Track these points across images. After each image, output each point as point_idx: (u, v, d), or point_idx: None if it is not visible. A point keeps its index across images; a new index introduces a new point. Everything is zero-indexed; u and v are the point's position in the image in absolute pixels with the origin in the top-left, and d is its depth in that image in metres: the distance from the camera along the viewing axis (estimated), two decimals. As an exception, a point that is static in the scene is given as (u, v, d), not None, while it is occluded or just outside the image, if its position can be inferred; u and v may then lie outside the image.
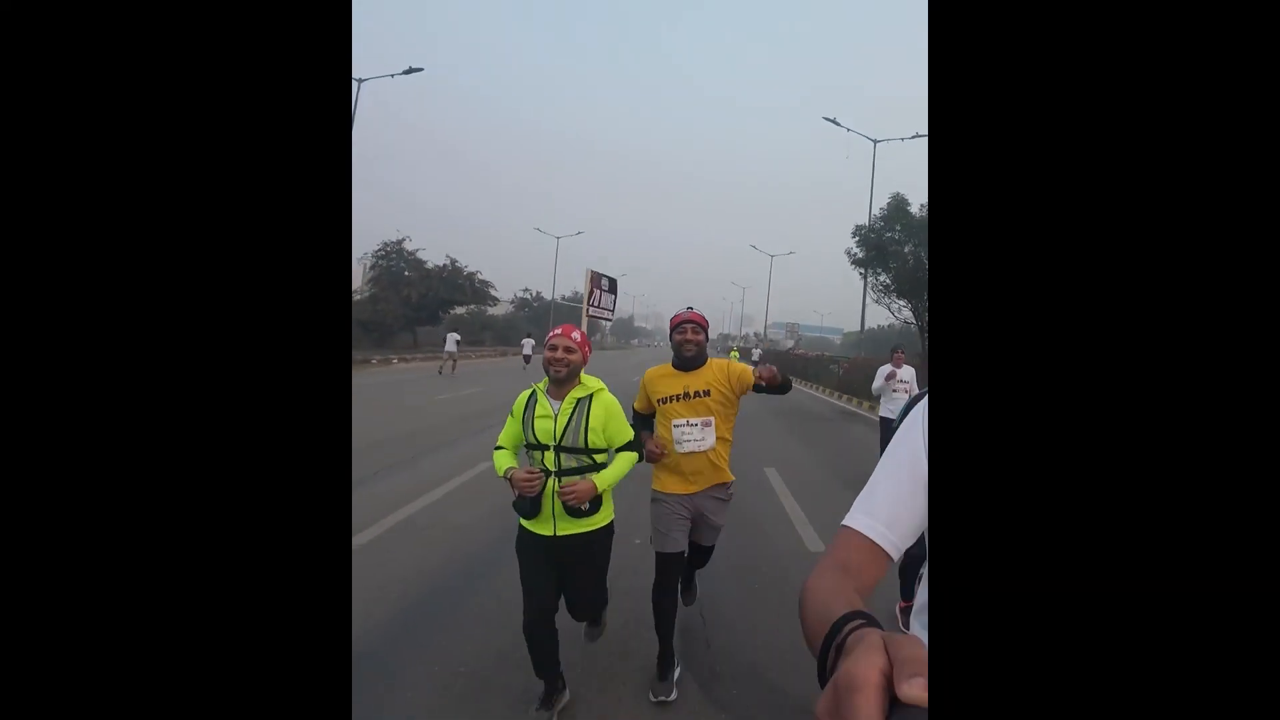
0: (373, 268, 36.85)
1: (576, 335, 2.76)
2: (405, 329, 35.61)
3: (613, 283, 16.77)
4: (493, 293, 42.20)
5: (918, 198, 20.15)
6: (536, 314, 61.33)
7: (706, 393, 3.13)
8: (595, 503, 2.73)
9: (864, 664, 0.44)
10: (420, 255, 37.22)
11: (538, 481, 2.58)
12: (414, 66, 22.51)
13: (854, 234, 21.29)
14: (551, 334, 2.78)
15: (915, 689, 0.41)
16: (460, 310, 41.91)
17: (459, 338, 22.15)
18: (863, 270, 21.51)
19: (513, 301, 61.69)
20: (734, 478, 3.30)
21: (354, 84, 22.00)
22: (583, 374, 2.78)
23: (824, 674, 0.59)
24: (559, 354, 2.67)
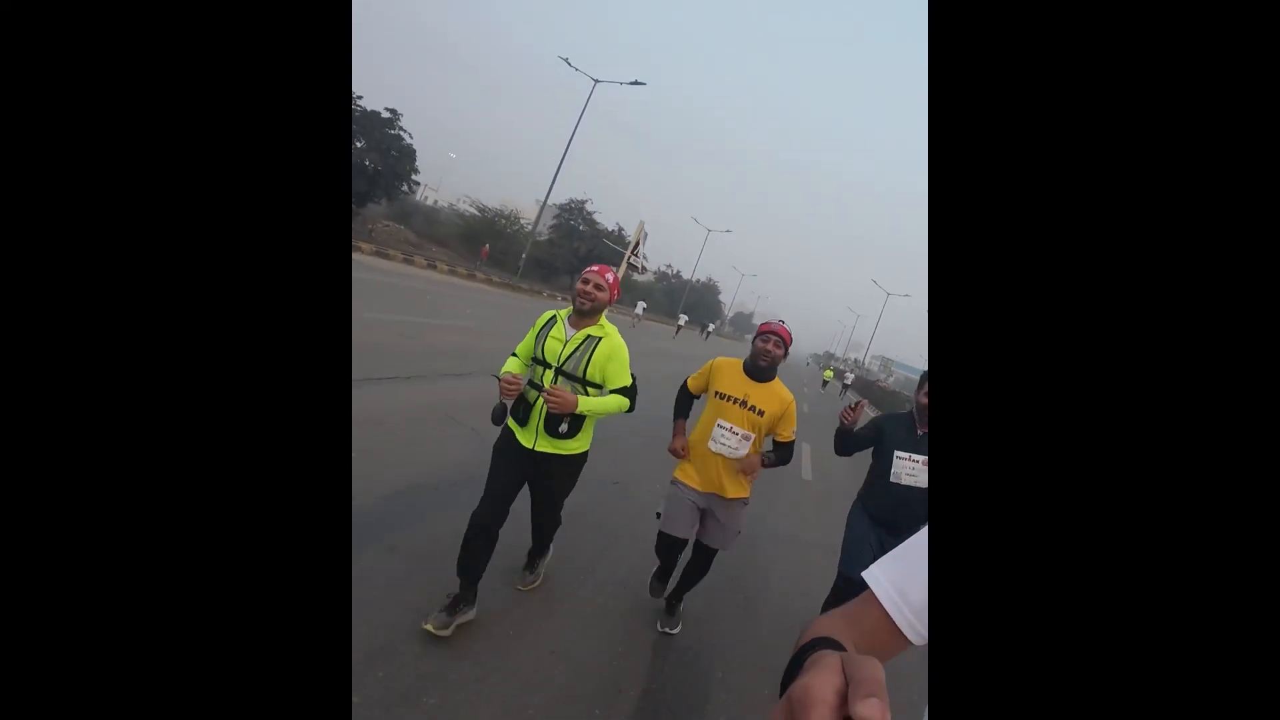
0: (556, 217, 43.63)
1: (610, 276, 2.87)
2: (569, 273, 42.22)
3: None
4: (644, 263, 48.64)
5: None
6: (672, 289, 67.48)
7: (762, 413, 3.13)
8: (574, 427, 2.82)
9: (819, 681, 0.43)
10: (596, 217, 43.85)
11: (518, 385, 2.71)
12: (639, 80, 28.66)
13: None
14: (587, 270, 2.88)
15: (869, 709, 0.40)
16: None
17: (645, 305, 28.39)
18: None
19: (656, 273, 67.73)
20: (749, 496, 3.29)
21: (591, 84, 28.65)
22: (603, 317, 2.89)
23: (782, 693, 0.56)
24: (589, 288, 2.78)
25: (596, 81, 29.04)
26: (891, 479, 3.17)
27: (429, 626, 2.65)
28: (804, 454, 9.45)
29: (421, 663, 2.54)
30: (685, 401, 3.38)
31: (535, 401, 2.80)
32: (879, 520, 3.23)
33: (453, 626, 2.71)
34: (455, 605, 2.76)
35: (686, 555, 3.44)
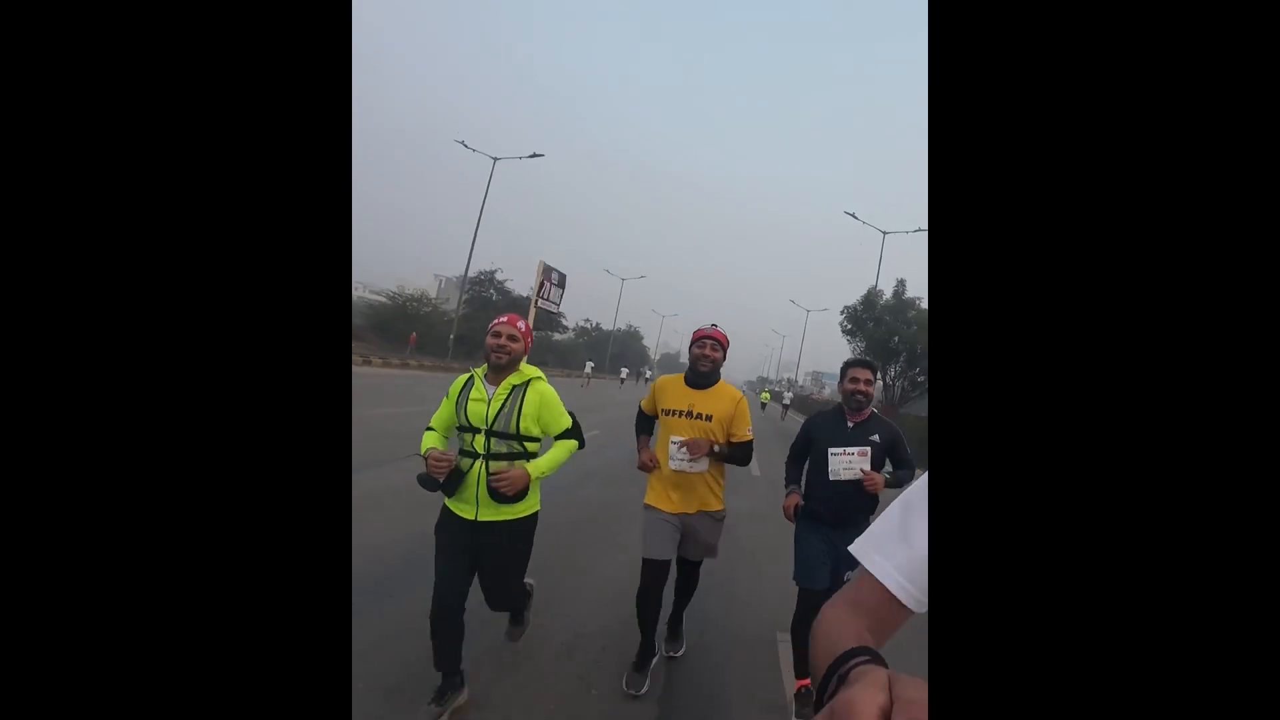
0: (468, 290, 43.48)
1: (521, 325, 2.69)
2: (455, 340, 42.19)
3: (562, 277, 21.03)
4: (563, 322, 48.78)
5: (915, 281, 26.09)
6: (595, 341, 67.70)
7: (708, 418, 3.08)
8: (521, 490, 2.62)
9: (864, 697, 0.43)
10: (508, 285, 43.78)
11: (446, 466, 2.53)
12: (536, 153, 29.33)
13: (842, 312, 27.17)
14: (496, 321, 2.68)
15: None
16: (535, 332, 48.63)
17: (593, 363, 28.75)
18: (848, 338, 27.53)
19: (575, 329, 67.91)
20: (724, 507, 3.25)
21: (491, 162, 28.89)
22: (523, 363, 2.72)
23: (822, 702, 0.57)
24: (502, 340, 2.59)
25: (495, 159, 29.54)
26: (830, 477, 3.12)
27: None
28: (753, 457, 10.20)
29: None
30: (644, 420, 3.35)
31: (470, 470, 2.61)
32: (825, 521, 3.17)
33: (446, 714, 2.59)
34: (443, 694, 2.61)
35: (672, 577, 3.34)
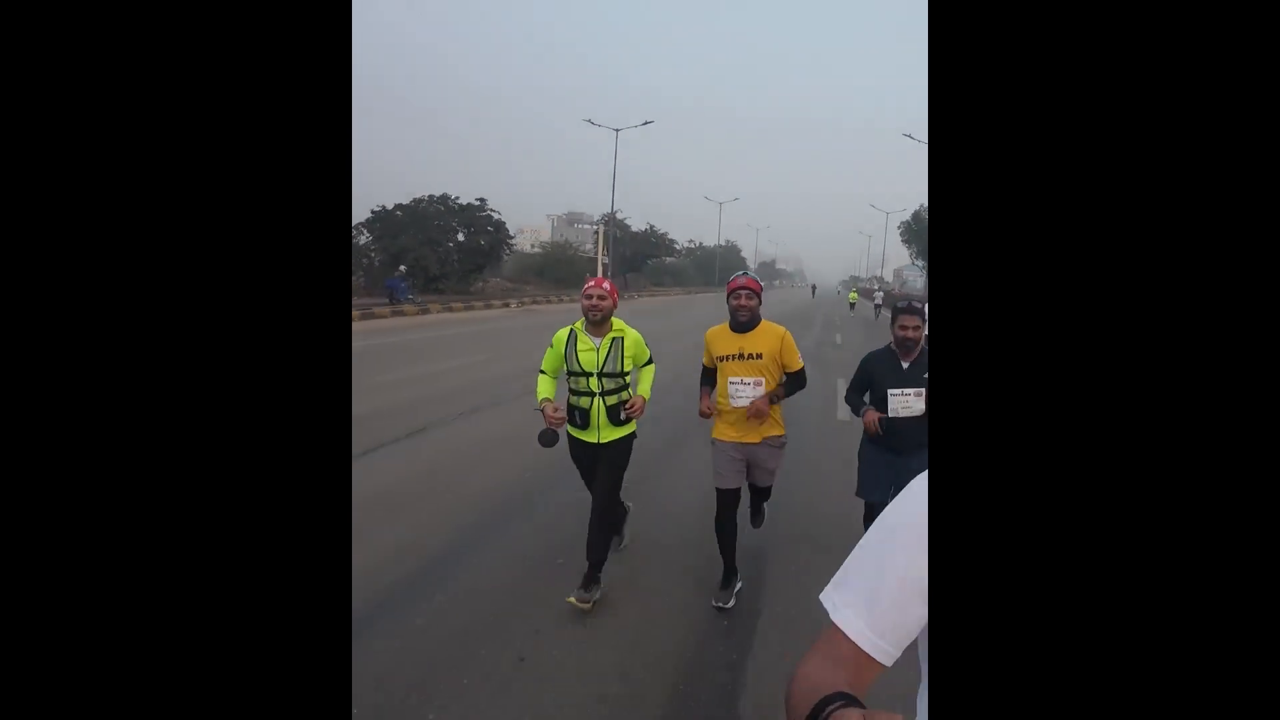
0: (595, 232, 51.40)
1: (607, 285, 3.37)
2: (619, 274, 50.05)
3: (607, 217, 26.61)
4: (676, 247, 56.34)
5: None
6: (700, 260, 74.92)
7: (759, 356, 3.37)
8: (629, 413, 3.39)
9: None
10: (627, 222, 51.26)
11: (562, 417, 3.30)
12: (647, 120, 36.65)
13: (898, 227, 32.70)
14: (588, 286, 3.38)
15: None
16: (652, 260, 56.29)
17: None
18: (906, 245, 33.03)
19: (683, 252, 74.85)
20: (784, 431, 3.52)
21: (614, 135, 36.23)
22: (613, 318, 3.38)
23: None
24: (594, 301, 3.30)
25: (618, 131, 36.83)
26: (890, 414, 3.38)
27: (574, 600, 3.20)
28: (840, 392, 9.21)
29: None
30: (708, 374, 3.63)
31: (590, 406, 3.34)
32: (889, 449, 3.46)
33: (594, 598, 3.25)
34: (589, 582, 3.27)
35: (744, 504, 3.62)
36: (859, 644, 0.73)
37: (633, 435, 3.52)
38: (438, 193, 31.29)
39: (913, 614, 0.72)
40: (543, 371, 3.47)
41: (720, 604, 3.39)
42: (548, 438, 3.33)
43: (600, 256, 25.69)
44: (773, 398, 3.40)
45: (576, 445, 3.51)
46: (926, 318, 3.25)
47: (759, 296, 3.46)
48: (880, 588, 0.75)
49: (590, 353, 3.32)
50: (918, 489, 0.77)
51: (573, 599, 3.20)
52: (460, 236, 31.16)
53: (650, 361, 3.56)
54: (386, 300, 21.32)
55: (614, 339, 3.36)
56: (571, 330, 3.39)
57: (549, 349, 3.43)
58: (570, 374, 3.38)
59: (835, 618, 0.76)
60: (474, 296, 28.69)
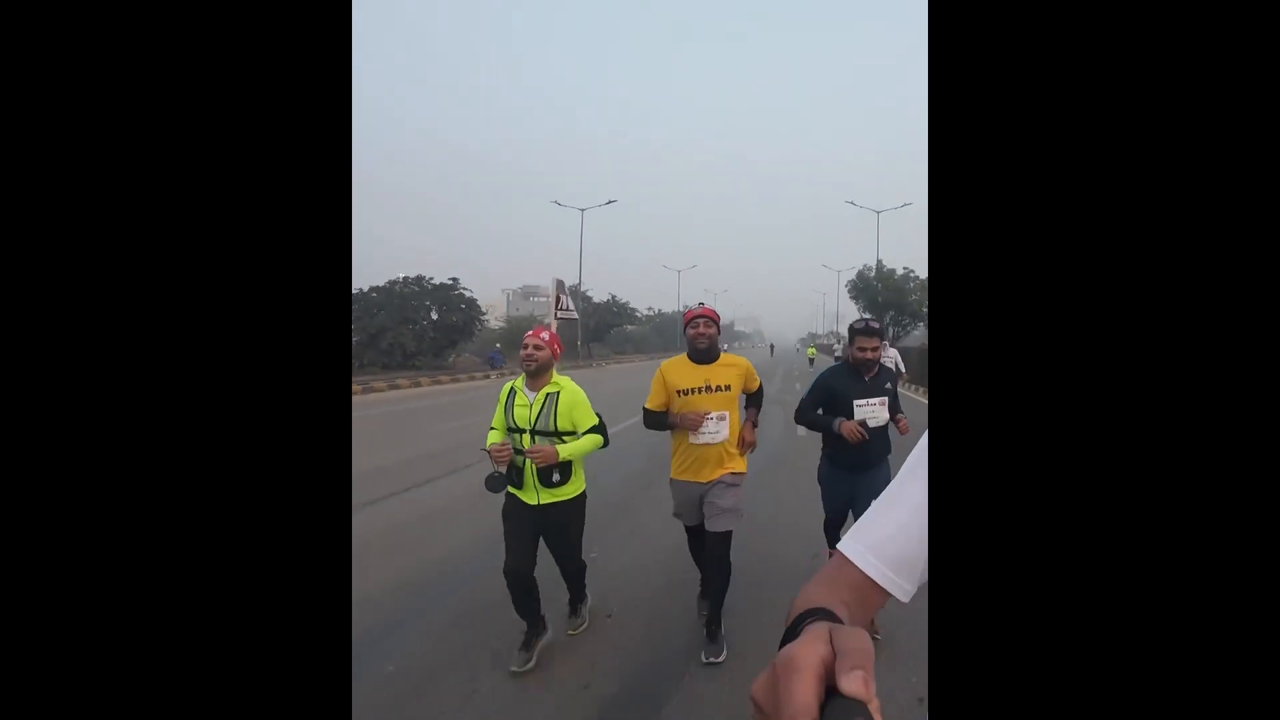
0: (563, 310, 53.65)
1: (545, 335, 3.17)
2: (585, 344, 51.99)
3: (574, 287, 28.46)
4: (571, 312, 59.29)
5: (904, 254, 34.87)
6: (660, 326, 77.44)
7: (728, 388, 3.28)
8: (565, 474, 3.13)
9: (805, 649, 0.42)
10: (589, 294, 53.47)
11: (507, 451, 3.05)
12: (611, 200, 39.27)
13: (846, 285, 36.15)
14: (526, 335, 3.17)
15: (854, 683, 0.39)
16: (614, 329, 58.56)
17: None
18: (854, 301, 36.31)
19: (644, 320, 77.26)
20: (744, 469, 3.41)
21: (579, 213, 38.81)
22: (554, 372, 3.18)
23: None
24: (529, 351, 3.09)
25: (583, 210, 39.90)
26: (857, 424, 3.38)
27: (514, 668, 3.03)
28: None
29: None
30: (656, 418, 3.41)
31: (524, 464, 3.10)
32: (845, 466, 3.56)
33: (535, 656, 3.10)
34: (529, 640, 3.13)
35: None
36: (861, 567, 0.73)
37: (580, 498, 3.30)
38: (411, 274, 33.13)
39: (921, 547, 0.71)
40: (493, 428, 3.34)
41: (713, 659, 3.26)
42: (494, 483, 3.19)
43: (554, 310, 27.05)
44: (754, 423, 3.48)
45: (510, 503, 3.27)
46: (882, 335, 3.56)
47: (717, 325, 3.41)
48: (888, 519, 0.75)
49: (524, 409, 3.16)
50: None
51: (514, 667, 3.08)
52: (434, 315, 32.82)
53: (596, 432, 3.22)
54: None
55: (549, 394, 3.16)
56: (512, 386, 3.27)
57: (497, 406, 3.31)
58: (509, 430, 3.22)
59: (845, 551, 0.76)
60: (448, 371, 30.18)
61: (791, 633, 0.58)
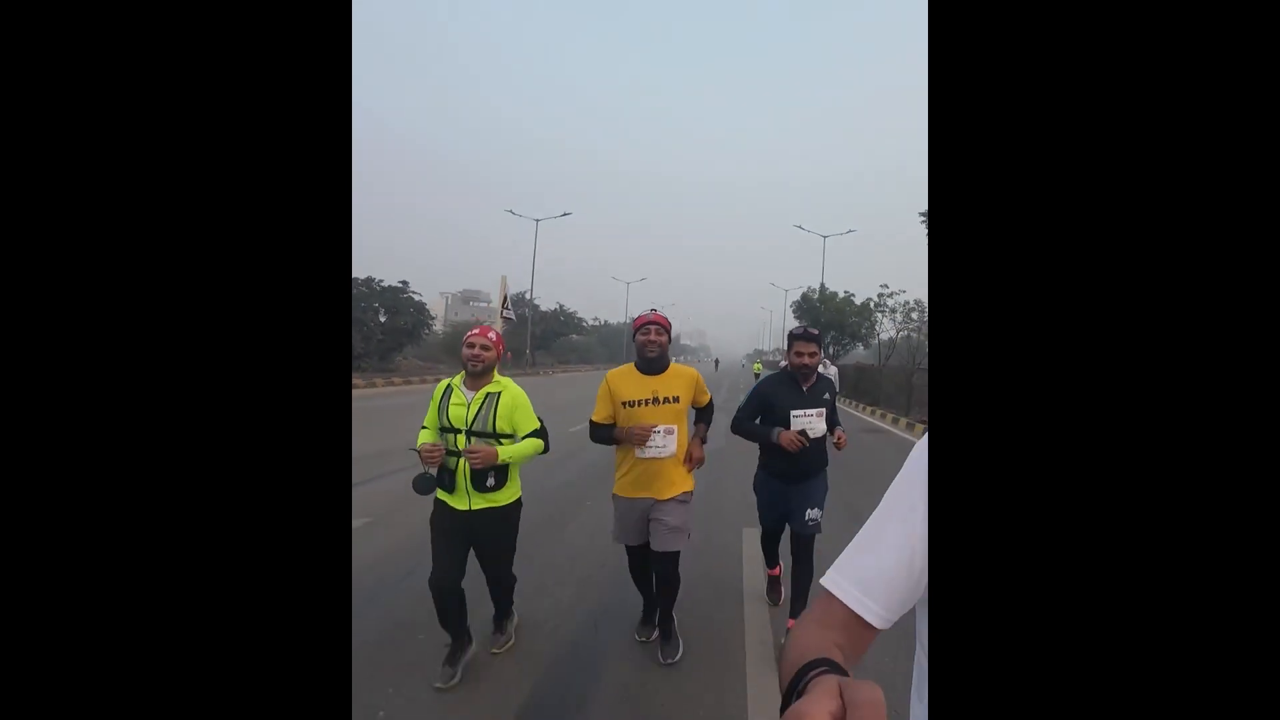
0: (508, 310, 53.30)
1: (492, 335, 2.96)
2: (531, 351, 51.78)
3: (521, 295, 29.33)
4: (512, 315, 59.51)
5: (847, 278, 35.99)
6: (607, 337, 77.66)
7: (677, 399, 3.10)
8: (500, 478, 2.93)
9: (815, 705, 0.42)
10: (537, 302, 53.26)
11: (439, 452, 2.83)
12: (566, 212, 39.13)
13: (791, 305, 37.62)
14: (470, 333, 2.95)
15: None
16: (560, 338, 58.41)
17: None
18: (799, 321, 37.53)
19: (590, 330, 77.33)
20: (692, 487, 3.23)
21: (534, 224, 38.67)
22: (495, 373, 2.98)
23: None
24: (476, 350, 2.90)
25: (538, 221, 39.86)
26: None
27: (439, 685, 2.82)
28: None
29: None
30: (603, 432, 3.22)
31: (457, 466, 2.89)
32: (780, 475, 3.48)
33: (459, 672, 2.91)
34: (454, 654, 2.94)
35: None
36: (848, 604, 0.73)
37: (515, 505, 3.12)
38: (359, 275, 32.27)
39: (904, 579, 0.71)
40: (424, 427, 3.12)
41: (642, 638, 3.35)
42: (422, 484, 3.01)
43: (501, 310, 26.78)
44: (703, 439, 3.31)
45: (439, 510, 3.05)
46: (820, 342, 3.47)
47: (669, 333, 3.20)
48: (871, 552, 0.75)
49: (460, 407, 2.96)
50: (915, 456, 0.78)
51: (438, 684, 2.88)
52: (382, 317, 32.14)
53: (538, 435, 3.06)
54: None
55: (489, 394, 2.98)
56: (449, 384, 3.07)
57: (430, 403, 3.11)
58: (441, 430, 3.03)
59: (830, 588, 0.76)
60: (395, 373, 29.51)
61: (795, 685, 0.59)
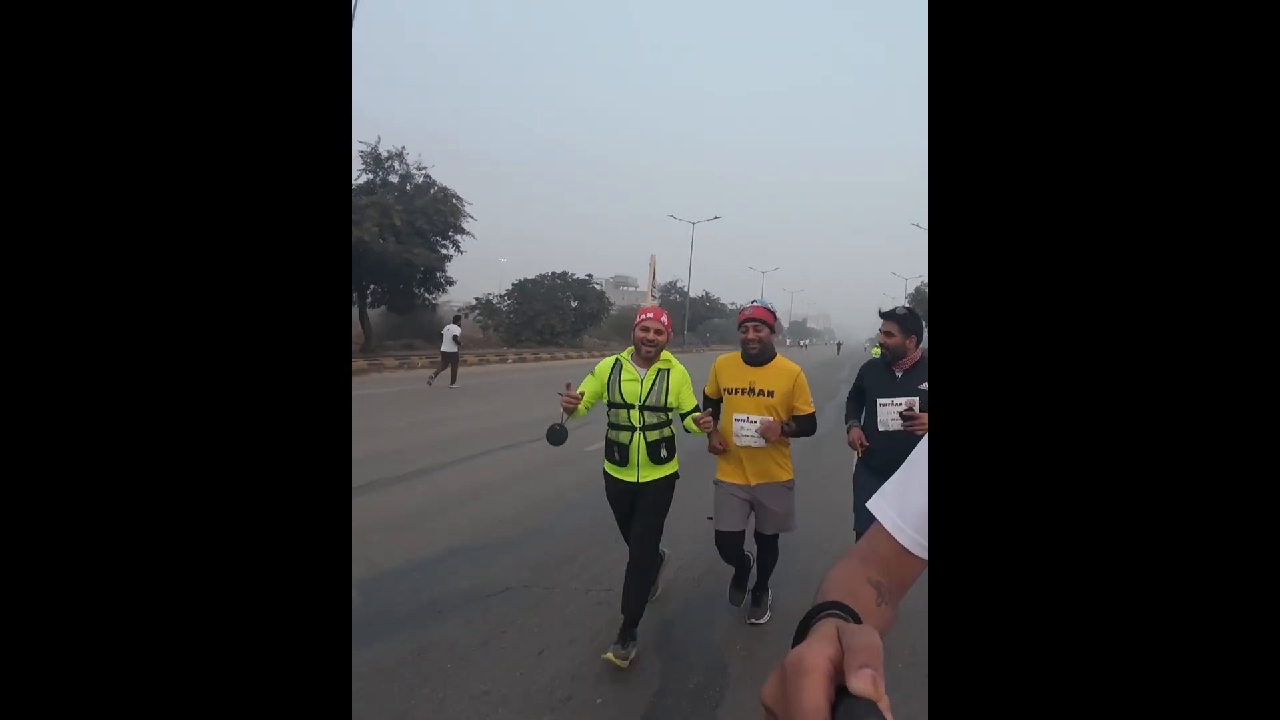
0: (650, 261, 58.82)
1: (665, 320, 3.07)
2: (680, 334, 58.77)
3: (672, 284, 37.86)
4: (726, 309, 66.22)
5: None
6: (678, 305, 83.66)
7: (770, 393, 3.11)
8: (670, 450, 3.08)
9: (813, 649, 0.42)
10: (685, 289, 60.74)
11: (574, 400, 2.94)
12: (717, 215, 47.69)
13: (907, 295, 39.60)
14: (643, 317, 3.06)
15: (862, 681, 0.39)
16: (705, 321, 65.96)
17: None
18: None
19: (731, 313, 78.66)
20: (792, 476, 3.24)
21: (690, 227, 46.24)
22: (664, 351, 3.07)
23: None
24: (650, 335, 3.00)
25: (694, 224, 47.87)
26: (880, 428, 3.08)
27: (619, 662, 2.86)
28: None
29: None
30: (710, 404, 3.36)
31: (629, 441, 3.01)
32: (881, 472, 3.06)
33: (630, 656, 2.92)
34: (625, 639, 2.94)
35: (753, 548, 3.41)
36: (893, 534, 0.72)
37: (675, 476, 3.17)
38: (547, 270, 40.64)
39: None
40: (581, 392, 3.09)
41: (755, 620, 3.40)
42: (555, 435, 3.06)
43: (651, 290, 31.84)
44: (784, 428, 3.17)
45: (613, 485, 3.16)
46: (909, 325, 3.13)
47: (770, 327, 3.21)
48: (914, 480, 0.73)
49: (634, 383, 3.03)
50: None
51: (610, 655, 2.88)
52: (573, 303, 40.78)
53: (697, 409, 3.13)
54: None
55: (660, 370, 3.05)
56: (617, 360, 3.12)
57: (589, 377, 3.14)
58: (611, 405, 3.09)
59: (873, 511, 0.75)
60: (584, 348, 38.09)
61: (804, 625, 0.58)
